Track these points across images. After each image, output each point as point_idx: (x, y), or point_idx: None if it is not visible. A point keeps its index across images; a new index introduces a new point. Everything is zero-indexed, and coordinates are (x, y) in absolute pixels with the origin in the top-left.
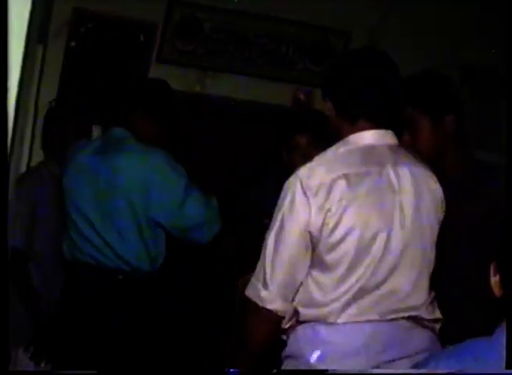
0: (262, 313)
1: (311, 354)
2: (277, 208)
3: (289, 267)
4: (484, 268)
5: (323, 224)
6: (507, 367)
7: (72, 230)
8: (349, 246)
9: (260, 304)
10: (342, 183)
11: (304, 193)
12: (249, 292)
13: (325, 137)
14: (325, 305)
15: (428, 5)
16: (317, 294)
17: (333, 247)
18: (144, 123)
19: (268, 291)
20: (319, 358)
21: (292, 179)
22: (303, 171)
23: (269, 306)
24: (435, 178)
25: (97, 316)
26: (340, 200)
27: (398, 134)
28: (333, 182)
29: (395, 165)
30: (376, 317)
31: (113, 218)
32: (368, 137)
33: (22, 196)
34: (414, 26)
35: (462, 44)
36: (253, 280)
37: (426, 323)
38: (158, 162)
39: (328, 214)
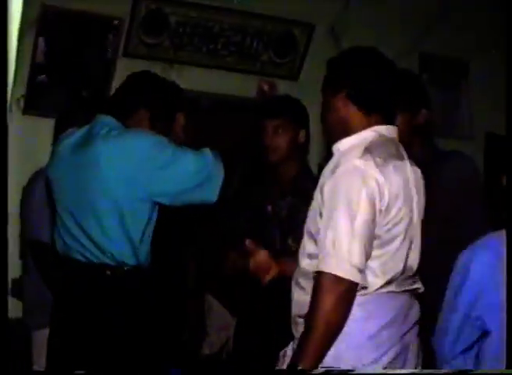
0: (352, 289)
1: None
2: (342, 195)
3: (365, 244)
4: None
5: (385, 207)
6: (507, 367)
7: (60, 225)
8: (400, 227)
9: (354, 279)
10: (393, 171)
11: (370, 182)
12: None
13: (302, 122)
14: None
15: None
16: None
17: (389, 228)
18: (145, 122)
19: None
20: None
21: (353, 171)
22: (361, 162)
23: (359, 280)
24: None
25: (88, 312)
26: (391, 187)
27: None
28: (389, 172)
29: (408, 160)
30: (395, 289)
31: (95, 211)
32: (389, 130)
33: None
34: (376, 16)
35: (422, 33)
36: (335, 260)
37: (417, 295)
38: (140, 143)
39: (386, 199)
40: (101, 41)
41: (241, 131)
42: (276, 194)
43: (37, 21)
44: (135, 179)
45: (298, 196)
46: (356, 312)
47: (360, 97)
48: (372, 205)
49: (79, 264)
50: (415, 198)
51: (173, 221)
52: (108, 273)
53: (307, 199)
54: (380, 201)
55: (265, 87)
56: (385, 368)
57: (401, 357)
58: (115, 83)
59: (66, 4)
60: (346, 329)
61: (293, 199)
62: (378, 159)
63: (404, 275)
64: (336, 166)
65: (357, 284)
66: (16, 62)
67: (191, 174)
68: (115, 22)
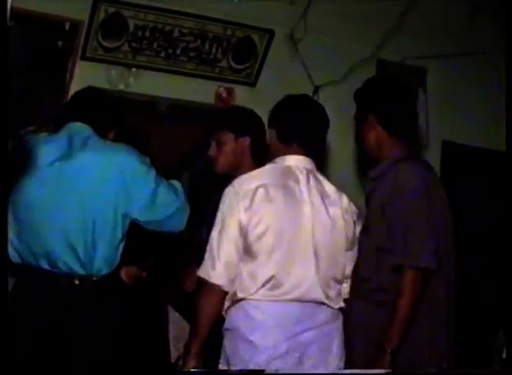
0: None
1: (244, 328)
2: (218, 210)
3: (229, 253)
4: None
5: (249, 221)
6: (507, 367)
7: (27, 233)
8: (268, 239)
9: (210, 280)
10: (261, 190)
11: (236, 196)
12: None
13: (243, 132)
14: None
15: (347, 2)
16: (247, 279)
17: (257, 239)
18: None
19: (217, 271)
20: (250, 331)
21: (228, 187)
22: (236, 180)
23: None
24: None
25: (53, 322)
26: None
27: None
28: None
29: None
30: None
31: (81, 220)
32: (292, 159)
33: None
34: (334, 23)
35: (380, 40)
36: (203, 268)
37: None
38: (126, 159)
39: (250, 213)
40: (58, 44)
41: (198, 137)
42: None
43: None
44: (120, 192)
45: None
46: None
47: (281, 132)
48: None
49: (43, 272)
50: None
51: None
52: (77, 282)
53: None
54: None
55: (223, 94)
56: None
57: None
58: (73, 87)
59: (24, 5)
60: None
61: None
62: None
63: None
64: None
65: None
66: None
67: (165, 206)
68: (72, 25)
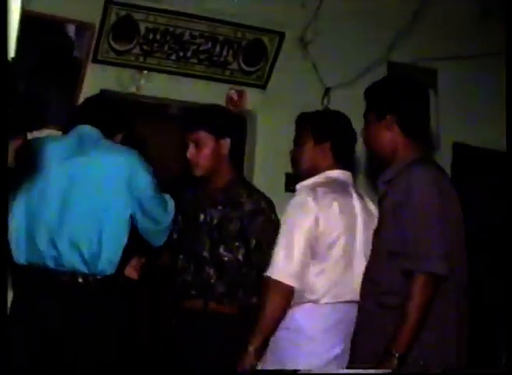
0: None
1: (308, 328)
2: (290, 216)
3: (302, 258)
4: None
5: (322, 229)
6: (507, 367)
7: (34, 231)
8: (337, 247)
9: (284, 282)
10: (332, 201)
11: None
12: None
13: (223, 132)
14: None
15: (358, 4)
16: (315, 282)
17: (328, 246)
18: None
19: (291, 274)
20: (314, 332)
21: (301, 194)
22: (305, 188)
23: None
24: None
25: (56, 321)
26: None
27: None
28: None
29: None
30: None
31: (91, 218)
32: (342, 174)
33: None
34: (345, 25)
35: (390, 42)
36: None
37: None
38: (137, 162)
39: (323, 221)
40: (70, 47)
41: None
42: (208, 202)
43: None
44: (123, 198)
45: (229, 205)
46: None
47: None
48: None
49: (48, 271)
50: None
51: None
52: (80, 280)
53: (237, 208)
54: None
55: (234, 96)
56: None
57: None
58: (85, 90)
59: (35, 7)
60: None
61: (224, 208)
62: None
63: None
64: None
65: None
66: None
67: (157, 220)
68: (83, 28)
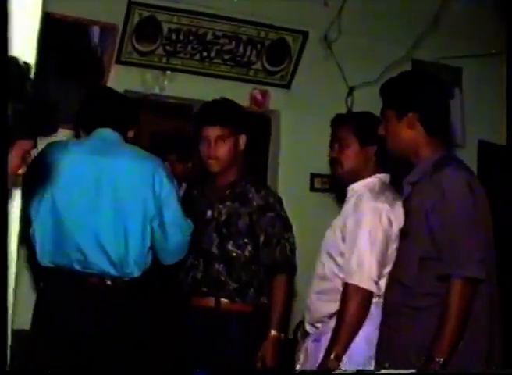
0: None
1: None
2: (364, 221)
3: (379, 263)
4: None
5: (393, 233)
6: (507, 367)
7: (57, 234)
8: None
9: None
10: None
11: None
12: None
13: (241, 128)
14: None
15: (381, 2)
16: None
17: (394, 250)
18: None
19: (373, 280)
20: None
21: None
22: (377, 194)
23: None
24: None
25: (81, 321)
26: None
27: None
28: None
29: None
30: None
31: (117, 221)
32: (387, 178)
33: None
34: (369, 24)
35: (415, 40)
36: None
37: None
38: (163, 170)
39: (394, 225)
40: (93, 48)
41: None
42: (217, 198)
43: None
44: (147, 202)
45: (237, 201)
46: None
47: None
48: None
49: (74, 272)
50: None
51: None
52: (109, 282)
53: (246, 204)
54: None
55: (258, 96)
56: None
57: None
58: None
59: (59, 10)
60: None
61: (233, 204)
62: None
63: None
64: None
65: None
66: None
67: (179, 243)
68: (107, 29)
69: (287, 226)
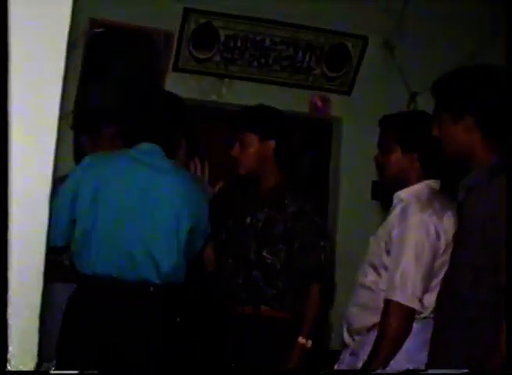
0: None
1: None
2: (410, 234)
3: (425, 280)
4: None
5: (441, 248)
6: (507, 367)
7: (97, 242)
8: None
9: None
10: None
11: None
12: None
13: (267, 134)
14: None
15: (440, 8)
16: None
17: (441, 265)
18: (180, 147)
19: (417, 298)
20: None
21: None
22: (423, 204)
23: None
24: None
25: (125, 329)
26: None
27: None
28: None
29: None
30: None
31: (159, 230)
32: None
33: None
34: (430, 29)
35: (477, 45)
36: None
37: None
38: (201, 190)
39: (442, 239)
40: (150, 55)
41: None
42: (256, 205)
43: (85, 34)
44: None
45: (274, 207)
46: None
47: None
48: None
49: (112, 280)
50: None
51: None
52: (152, 289)
53: (282, 211)
54: None
55: (319, 103)
56: None
57: None
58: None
59: (115, 18)
60: None
61: (269, 211)
62: None
63: None
64: None
65: None
66: (65, 77)
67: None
68: (163, 36)
69: (323, 234)
